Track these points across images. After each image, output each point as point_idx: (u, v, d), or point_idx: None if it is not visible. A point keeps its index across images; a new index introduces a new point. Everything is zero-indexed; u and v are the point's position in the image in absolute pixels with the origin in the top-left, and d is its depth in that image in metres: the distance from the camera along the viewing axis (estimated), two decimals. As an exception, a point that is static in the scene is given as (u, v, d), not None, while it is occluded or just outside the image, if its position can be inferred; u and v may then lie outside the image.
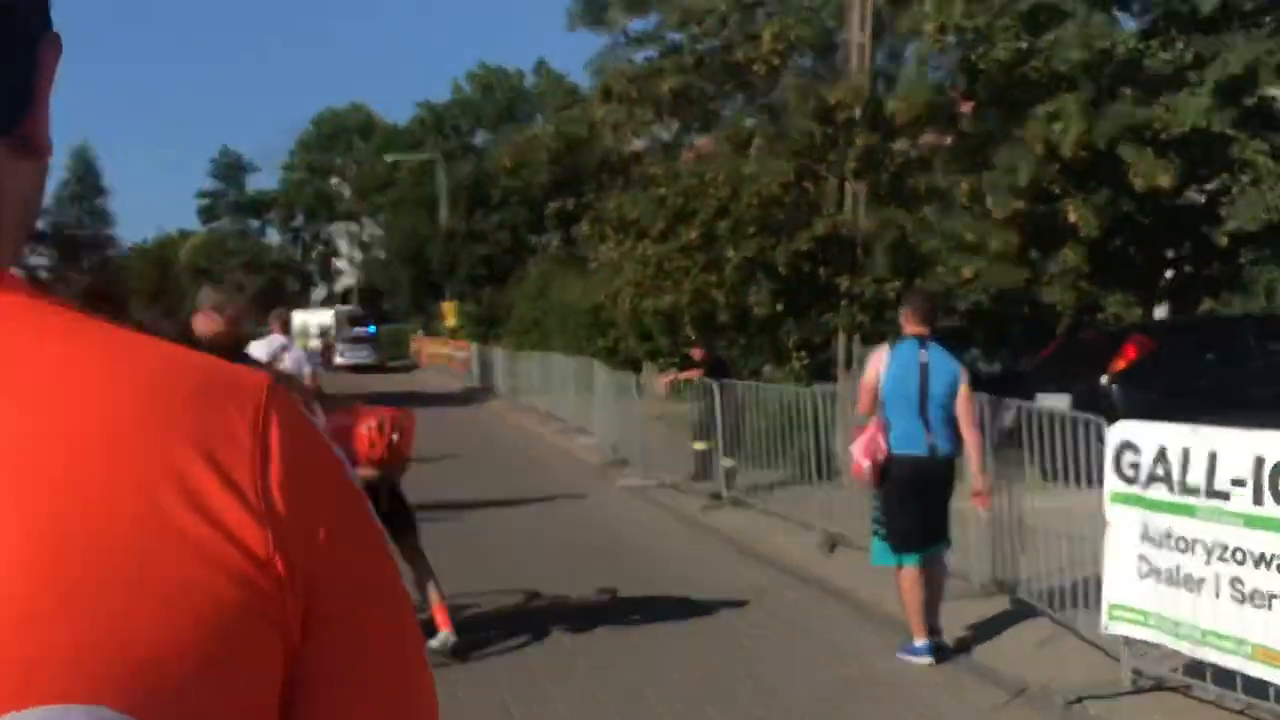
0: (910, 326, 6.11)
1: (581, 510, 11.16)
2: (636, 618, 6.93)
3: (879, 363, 6.12)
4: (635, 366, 21.65)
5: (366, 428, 5.28)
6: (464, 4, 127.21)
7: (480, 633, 6.49)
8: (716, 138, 14.18)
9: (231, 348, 4.64)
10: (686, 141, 15.16)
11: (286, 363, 11.01)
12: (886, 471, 5.88)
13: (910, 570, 5.86)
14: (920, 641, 5.83)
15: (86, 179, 73.95)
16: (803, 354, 13.40)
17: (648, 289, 14.46)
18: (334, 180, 79.84)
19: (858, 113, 12.81)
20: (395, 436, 5.29)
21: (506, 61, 59.90)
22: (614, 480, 13.08)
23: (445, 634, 5.83)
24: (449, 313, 41.13)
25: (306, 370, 10.51)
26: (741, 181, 12.52)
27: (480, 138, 45.54)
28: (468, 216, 42.47)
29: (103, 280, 68.18)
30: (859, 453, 5.97)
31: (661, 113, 13.86)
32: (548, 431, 18.38)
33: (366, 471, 5.38)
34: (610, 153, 14.59)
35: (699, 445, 12.10)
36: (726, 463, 11.29)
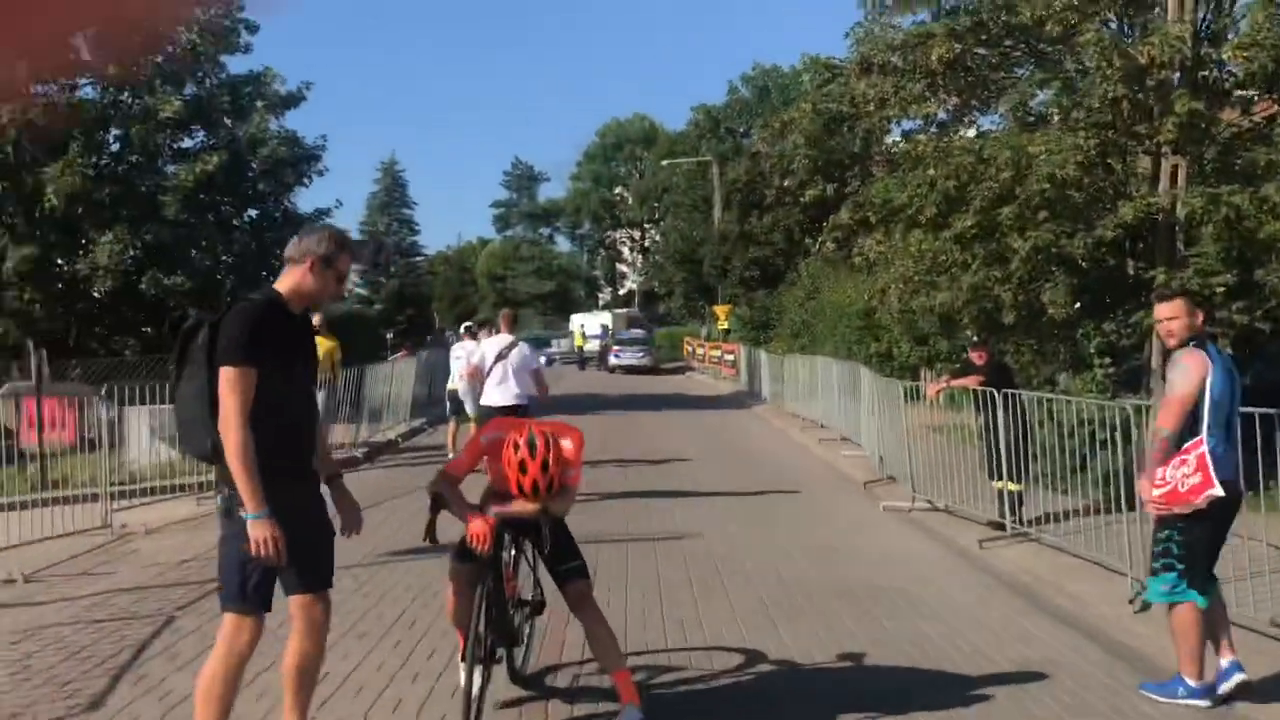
0: (1199, 326, 5.39)
1: (838, 536, 9.76)
2: (889, 693, 5.52)
3: (1202, 369, 5.20)
4: (913, 373, 19.87)
5: (515, 446, 4.26)
6: (741, 7, 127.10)
7: (684, 707, 5.31)
8: (1005, 114, 12.31)
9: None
10: (966, 119, 13.35)
11: (511, 359, 11.03)
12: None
13: (1194, 607, 5.25)
14: (1197, 683, 5.27)
15: (394, 190, 78.60)
16: (1106, 360, 11.42)
17: (919, 285, 12.85)
18: (617, 189, 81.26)
19: (1176, 75, 10.73)
20: (550, 459, 4.24)
21: (784, 61, 58.54)
22: (878, 500, 11.57)
23: (631, 709, 4.66)
24: (721, 315, 40.33)
25: (532, 368, 11.31)
26: (1027, 161, 10.70)
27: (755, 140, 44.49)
28: (741, 219, 41.51)
29: (409, 284, 72.12)
30: (1201, 477, 5.06)
31: (936, 85, 12.15)
32: (811, 441, 16.98)
33: (522, 506, 4.45)
34: (873, 132, 13.01)
35: (1005, 486, 9.67)
36: (1011, 487, 9.58)
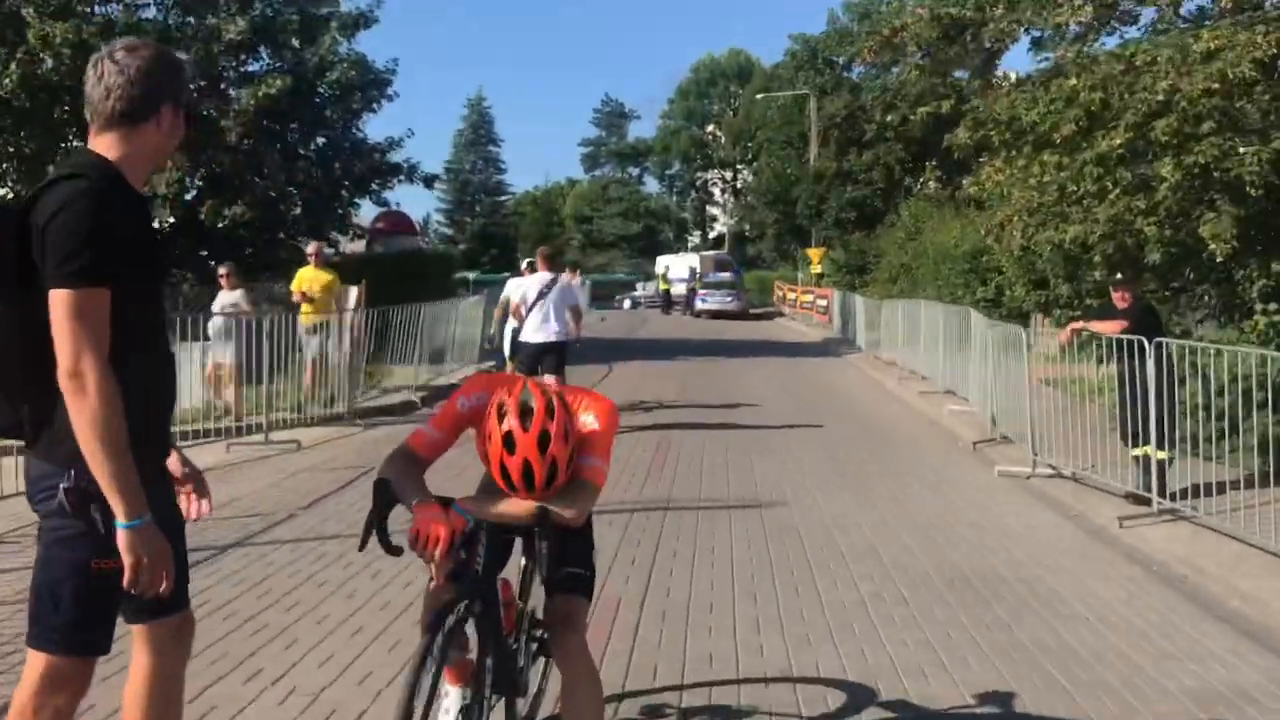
0: None
1: (947, 508, 8.30)
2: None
3: None
4: (1023, 321, 18.10)
5: (500, 411, 2.92)
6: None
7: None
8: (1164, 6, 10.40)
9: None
10: (1106, 30, 11.50)
11: (551, 297, 10.99)
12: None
13: None
14: None
15: (481, 128, 77.68)
16: (1272, 307, 9.68)
17: (1047, 217, 11.16)
18: (709, 127, 79.06)
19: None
20: (555, 432, 2.81)
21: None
22: (991, 464, 10.06)
23: None
24: (814, 258, 38.50)
25: (571, 304, 11.34)
26: (1190, 62, 8.93)
27: (857, 71, 42.09)
28: (839, 156, 39.50)
29: (494, 224, 71.29)
30: None
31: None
32: (910, 393, 15.42)
33: (513, 505, 2.83)
34: (1001, 39, 11.26)
35: (1149, 453, 8.09)
36: (1158, 454, 8.01)
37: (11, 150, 17.71)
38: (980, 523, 7.76)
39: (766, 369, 19.76)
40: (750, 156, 61.89)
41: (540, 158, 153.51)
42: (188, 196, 18.48)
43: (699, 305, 41.49)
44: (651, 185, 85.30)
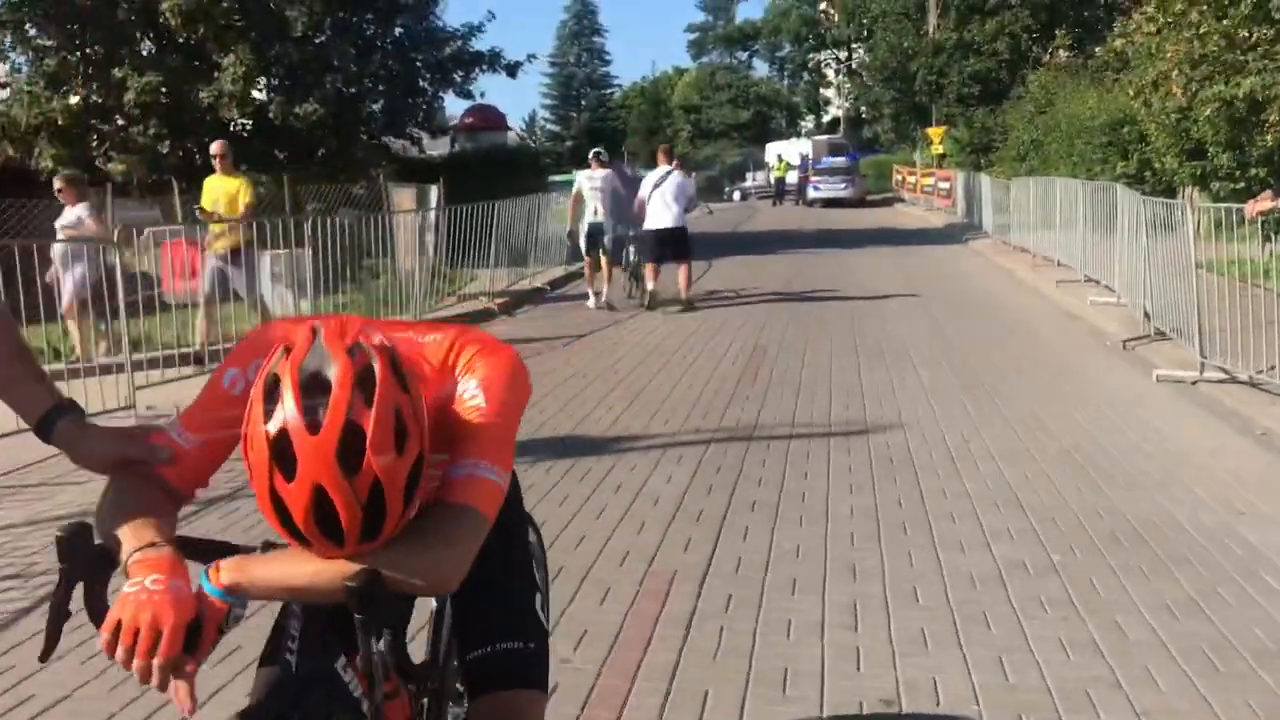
0: None
1: (1093, 427, 6.77)
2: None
3: None
4: (1170, 196, 15.99)
5: (266, 392, 1.40)
6: None
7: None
8: None
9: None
10: None
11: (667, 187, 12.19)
12: None
13: None
14: None
15: (584, 19, 75.44)
16: None
17: (1214, 69, 9.25)
18: (822, 4, 75.20)
19: None
20: (369, 424, 1.38)
21: None
22: (1148, 367, 8.44)
23: None
24: (935, 138, 35.94)
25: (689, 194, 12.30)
26: None
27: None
28: (959, 26, 36.57)
29: (600, 118, 69.62)
30: None
31: None
32: (1046, 283, 13.63)
33: (303, 577, 1.46)
34: None
35: None
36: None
37: (77, 56, 16.87)
38: (1143, 446, 6.24)
39: (882, 259, 18.05)
40: (865, 33, 58.57)
41: (646, 47, 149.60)
42: (256, 94, 17.39)
43: (811, 194, 39.35)
44: (761, 69, 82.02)
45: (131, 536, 1.50)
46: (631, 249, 13.23)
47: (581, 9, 74.25)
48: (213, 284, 9.90)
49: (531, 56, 21.76)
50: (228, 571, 1.47)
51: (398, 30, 19.72)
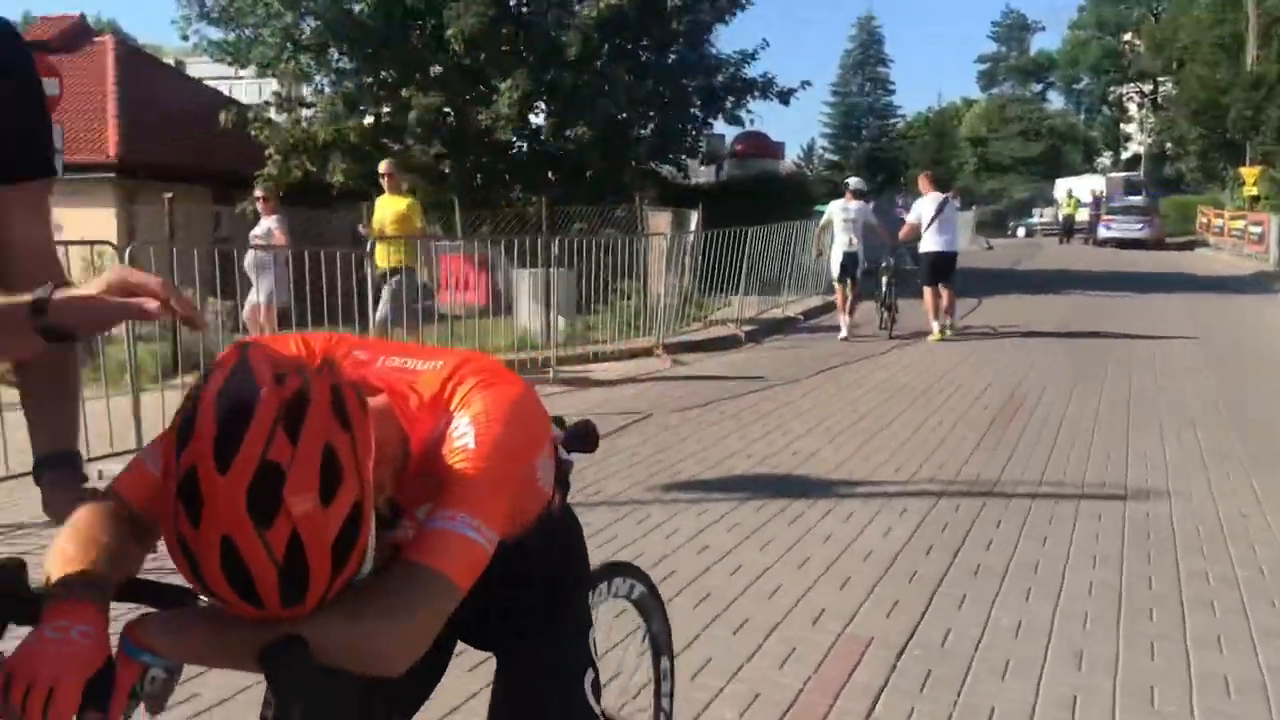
0: None
1: None
2: None
3: None
4: None
5: (185, 408, 1.16)
6: None
7: None
8: None
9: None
10: None
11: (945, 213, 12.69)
12: None
13: None
14: None
15: (870, 47, 74.35)
16: None
17: None
18: (1127, 35, 70.94)
19: None
20: (286, 463, 1.13)
21: None
22: None
23: None
24: (1249, 178, 32.91)
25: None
26: None
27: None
28: (1283, 57, 33.46)
29: (881, 148, 68.40)
30: None
31: None
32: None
33: (217, 646, 1.25)
34: None
35: None
36: None
37: (372, 79, 17.96)
38: None
39: (1174, 307, 16.52)
40: (1174, 65, 54.65)
41: (932, 77, 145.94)
42: (531, 117, 17.97)
43: (1103, 233, 36.83)
44: (1055, 102, 78.19)
45: (58, 575, 1.28)
46: (885, 280, 13.00)
47: (867, 38, 73.19)
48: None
49: (806, 83, 21.46)
50: (147, 626, 1.24)
51: (671, 57, 19.88)
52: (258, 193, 10.87)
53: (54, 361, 1.63)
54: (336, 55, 18.01)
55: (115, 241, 8.87)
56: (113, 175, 16.72)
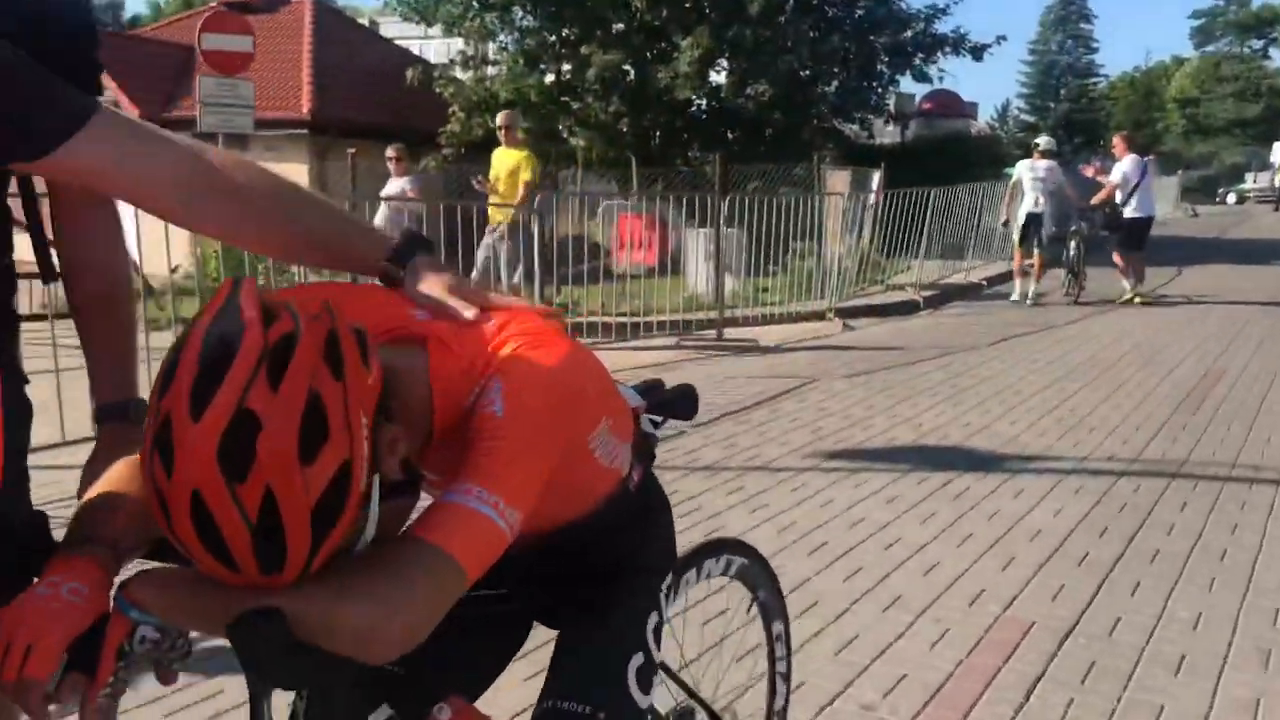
0: None
1: None
2: None
3: None
4: None
5: (171, 357, 1.06)
6: None
7: None
8: None
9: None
10: None
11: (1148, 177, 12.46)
12: None
13: None
14: None
15: (1072, 3, 70.67)
16: None
17: None
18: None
19: None
20: (264, 411, 1.01)
21: None
22: None
23: None
24: None
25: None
26: None
27: None
28: None
29: (1080, 109, 65.18)
30: None
31: None
32: None
33: (195, 611, 1.13)
34: None
35: None
36: None
37: (555, 37, 18.10)
38: None
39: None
40: None
41: (1140, 34, 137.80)
42: (711, 74, 17.79)
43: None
44: (1277, 60, 72.76)
45: (72, 530, 1.21)
46: (1073, 244, 12.40)
47: (1074, -6, 69.60)
48: (486, 261, 9.70)
49: (1001, 38, 20.52)
50: (141, 581, 1.14)
51: (858, 12, 19.33)
52: (390, 152, 10.95)
53: (111, 307, 1.63)
54: (520, 13, 18.22)
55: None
56: (305, 132, 17.38)
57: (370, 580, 1.10)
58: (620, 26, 17.83)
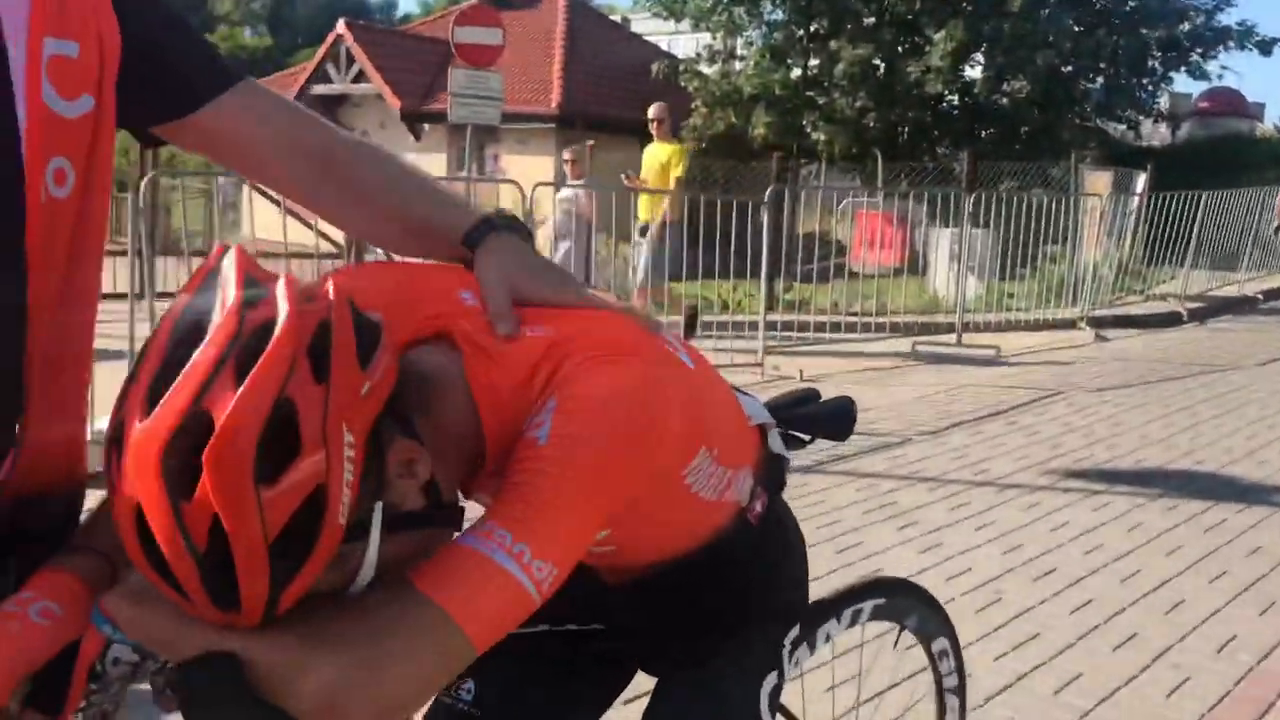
0: None
1: None
2: None
3: None
4: None
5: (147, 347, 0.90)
6: None
7: None
8: None
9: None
10: None
11: None
12: None
13: None
14: None
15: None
16: None
17: None
18: None
19: None
20: (232, 421, 0.82)
21: None
22: None
23: None
24: None
25: None
26: None
27: None
28: None
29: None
30: None
31: None
32: None
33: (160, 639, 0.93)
34: None
35: None
36: None
37: (800, 32, 17.83)
38: None
39: None
40: None
41: None
42: (966, 70, 17.09)
43: None
44: None
45: (75, 535, 1.06)
46: None
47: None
48: (647, 260, 8.85)
49: None
50: (120, 594, 0.94)
51: (1130, 4, 18.09)
52: (566, 155, 10.69)
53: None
54: (770, 7, 18.07)
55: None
56: (552, 125, 17.83)
57: (347, 633, 0.91)
58: (871, 20, 17.40)
